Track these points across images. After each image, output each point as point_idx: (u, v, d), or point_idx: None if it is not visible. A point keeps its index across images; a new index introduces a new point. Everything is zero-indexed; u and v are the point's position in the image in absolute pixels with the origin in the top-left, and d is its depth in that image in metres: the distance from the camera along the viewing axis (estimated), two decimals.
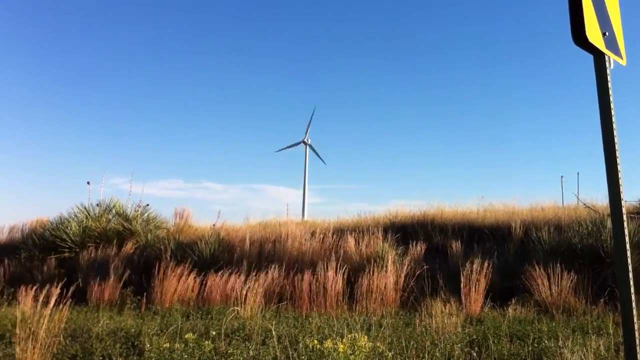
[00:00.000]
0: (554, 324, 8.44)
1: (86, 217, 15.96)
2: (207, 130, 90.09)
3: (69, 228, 15.16)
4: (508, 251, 12.24)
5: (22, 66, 72.71)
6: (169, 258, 13.14)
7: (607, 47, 2.88)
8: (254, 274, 11.31)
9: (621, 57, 3.07)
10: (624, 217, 2.73)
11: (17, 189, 59.79)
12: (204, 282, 11.64)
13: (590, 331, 7.78)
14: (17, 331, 6.74)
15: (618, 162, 2.75)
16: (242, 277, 11.25)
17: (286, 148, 62.44)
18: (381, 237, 13.14)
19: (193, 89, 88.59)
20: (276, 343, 6.95)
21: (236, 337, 7.73)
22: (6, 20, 64.65)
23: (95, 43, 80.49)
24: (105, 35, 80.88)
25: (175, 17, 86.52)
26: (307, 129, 61.41)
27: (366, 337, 6.45)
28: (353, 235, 13.45)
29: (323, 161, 62.94)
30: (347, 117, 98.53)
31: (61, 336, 7.29)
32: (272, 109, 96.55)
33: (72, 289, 8.41)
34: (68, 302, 7.61)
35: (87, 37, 79.50)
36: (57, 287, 7.96)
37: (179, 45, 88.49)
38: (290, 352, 6.43)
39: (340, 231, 14.24)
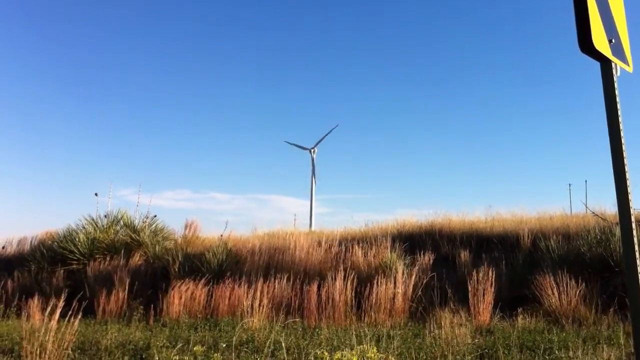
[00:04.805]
0: (564, 334, 8.37)
1: (94, 229, 16.00)
2: (213, 141, 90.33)
3: (77, 240, 15.20)
4: (516, 260, 12.17)
5: (28, 77, 73.33)
6: (176, 269, 13.15)
7: (614, 54, 2.86)
8: (262, 284, 11.28)
9: (628, 64, 3.06)
10: (633, 225, 2.70)
11: (25, 201, 60.13)
12: (212, 293, 11.63)
13: (601, 341, 7.71)
14: (26, 344, 6.75)
15: (626, 169, 2.72)
16: (250, 288, 11.22)
17: (294, 145, 62.02)
18: (389, 247, 13.10)
19: (199, 100, 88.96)
20: (285, 355, 6.93)
21: (245, 349, 7.71)
22: (6, 28, 65.27)
23: (101, 53, 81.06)
24: (111, 46, 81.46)
25: (182, 26, 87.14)
26: (319, 141, 60.94)
27: (376, 348, 6.41)
28: (360, 245, 13.43)
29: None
30: (353, 127, 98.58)
31: (69, 349, 7.28)
32: (280, 119, 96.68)
33: (80, 301, 8.42)
34: (78, 316, 7.59)
35: (93, 47, 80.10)
36: (65, 299, 7.97)
37: (185, 55, 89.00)
38: None
39: (347, 241, 14.21)
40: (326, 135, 60.58)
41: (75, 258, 14.73)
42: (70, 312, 7.51)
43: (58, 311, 7.32)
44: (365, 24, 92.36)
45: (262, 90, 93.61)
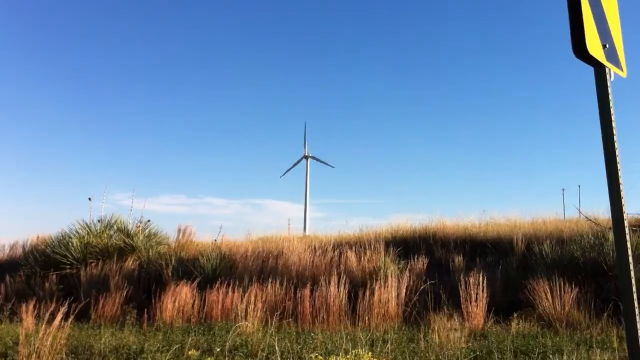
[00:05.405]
0: (558, 339, 8.40)
1: (87, 233, 15.93)
2: (208, 146, 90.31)
3: (70, 244, 15.13)
4: (510, 265, 12.20)
5: (23, 81, 73.11)
6: (170, 274, 13.12)
7: (608, 59, 2.88)
8: (256, 289, 11.27)
9: (622, 69, 3.08)
10: (626, 229, 2.72)
11: (17, 205, 59.76)
12: (206, 297, 11.60)
13: (594, 345, 7.74)
14: (20, 349, 6.72)
15: (619, 174, 2.74)
16: (244, 293, 11.20)
17: (290, 169, 62.44)
18: (383, 252, 13.11)
19: (194, 105, 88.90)
20: (280, 359, 6.91)
21: (239, 353, 7.69)
22: (4, 31, 65.12)
23: (97, 58, 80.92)
24: (107, 50, 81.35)
25: (179, 30, 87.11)
26: (305, 143, 61.44)
27: (370, 352, 6.41)
28: (354, 249, 13.43)
29: (330, 165, 62.75)
30: (349, 132, 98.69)
31: (63, 353, 7.25)
32: (274, 124, 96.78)
33: (74, 305, 8.38)
34: (70, 320, 7.56)
35: (88, 52, 79.95)
36: (58, 303, 7.94)
37: (180, 60, 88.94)
38: None
39: (341, 246, 14.21)
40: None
41: (68, 263, 14.66)
42: (64, 317, 7.48)
43: (53, 315, 7.29)
44: (364, 27, 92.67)
45: (259, 95, 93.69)
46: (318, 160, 61.47)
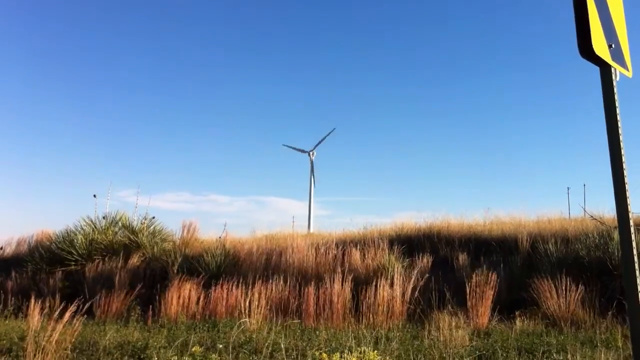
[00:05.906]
0: (562, 337, 8.39)
1: (92, 230, 16.01)
2: (213, 142, 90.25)
3: (75, 241, 15.21)
4: (515, 263, 12.19)
5: (27, 77, 73.28)
6: (175, 270, 13.16)
7: (613, 58, 2.88)
8: (260, 286, 11.29)
9: (627, 69, 3.08)
10: (632, 229, 2.72)
11: (22, 201, 60.03)
12: (210, 294, 11.63)
13: (599, 344, 7.74)
14: (26, 345, 6.76)
15: (625, 173, 2.74)
16: (248, 290, 11.23)
17: (292, 148, 62.02)
18: (387, 250, 13.11)
19: (199, 102, 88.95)
20: (285, 356, 6.93)
21: (243, 350, 7.71)
22: (5, 27, 65.36)
23: (100, 54, 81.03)
24: (112, 46, 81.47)
25: (182, 27, 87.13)
26: (318, 144, 60.89)
27: (375, 350, 6.42)
28: (359, 247, 13.44)
29: (314, 183, 61.61)
30: (354, 130, 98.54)
31: (68, 349, 7.29)
32: (280, 121, 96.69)
33: (79, 302, 8.42)
34: (79, 318, 7.60)
35: (93, 48, 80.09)
36: (63, 300, 7.98)
37: (184, 57, 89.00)
38: None
39: (346, 243, 14.21)
40: (324, 138, 60.57)
41: (73, 259, 14.73)
42: (69, 313, 7.52)
43: (57, 312, 7.33)
44: (365, 24, 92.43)
45: (263, 92, 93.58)
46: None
